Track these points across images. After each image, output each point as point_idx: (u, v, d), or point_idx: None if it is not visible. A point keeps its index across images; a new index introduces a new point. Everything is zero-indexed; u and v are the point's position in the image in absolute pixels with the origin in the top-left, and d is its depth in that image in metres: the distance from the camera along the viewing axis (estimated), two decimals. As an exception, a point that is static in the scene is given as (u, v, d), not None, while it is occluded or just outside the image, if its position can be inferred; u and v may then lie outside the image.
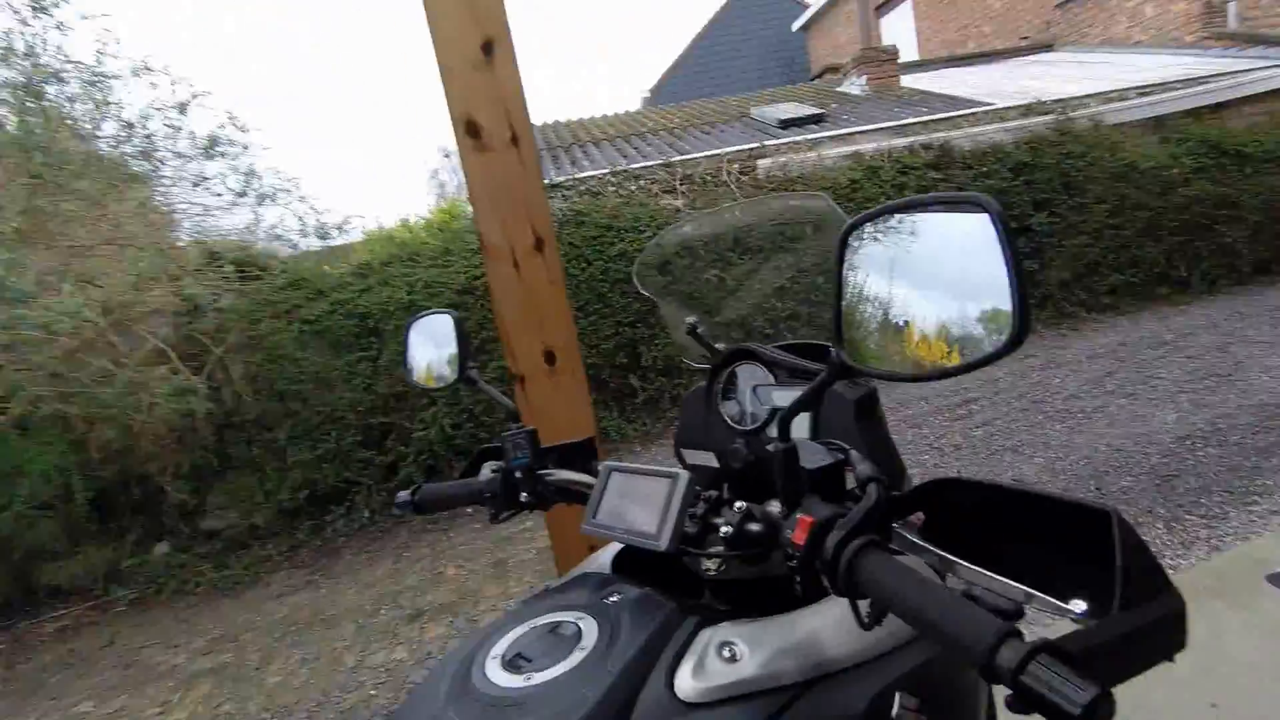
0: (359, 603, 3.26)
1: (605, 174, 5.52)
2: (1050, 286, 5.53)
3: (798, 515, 0.51)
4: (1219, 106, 5.97)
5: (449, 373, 0.95)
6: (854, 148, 5.67)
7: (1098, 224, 5.47)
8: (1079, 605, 0.41)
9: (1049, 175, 5.46)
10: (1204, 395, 3.79)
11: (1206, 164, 5.53)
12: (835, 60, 11.35)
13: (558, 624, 0.64)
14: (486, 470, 0.89)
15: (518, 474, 0.84)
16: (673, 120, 7.87)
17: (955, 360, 0.44)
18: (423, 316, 0.99)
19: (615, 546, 0.79)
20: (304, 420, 4.13)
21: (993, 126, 5.80)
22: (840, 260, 0.50)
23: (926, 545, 0.51)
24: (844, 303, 0.50)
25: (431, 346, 0.99)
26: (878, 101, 7.45)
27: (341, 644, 2.90)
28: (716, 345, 0.87)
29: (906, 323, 0.47)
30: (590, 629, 0.62)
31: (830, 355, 0.51)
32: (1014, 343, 0.41)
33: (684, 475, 0.63)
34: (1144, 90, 6.12)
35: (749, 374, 0.81)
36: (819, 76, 10.36)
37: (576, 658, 0.58)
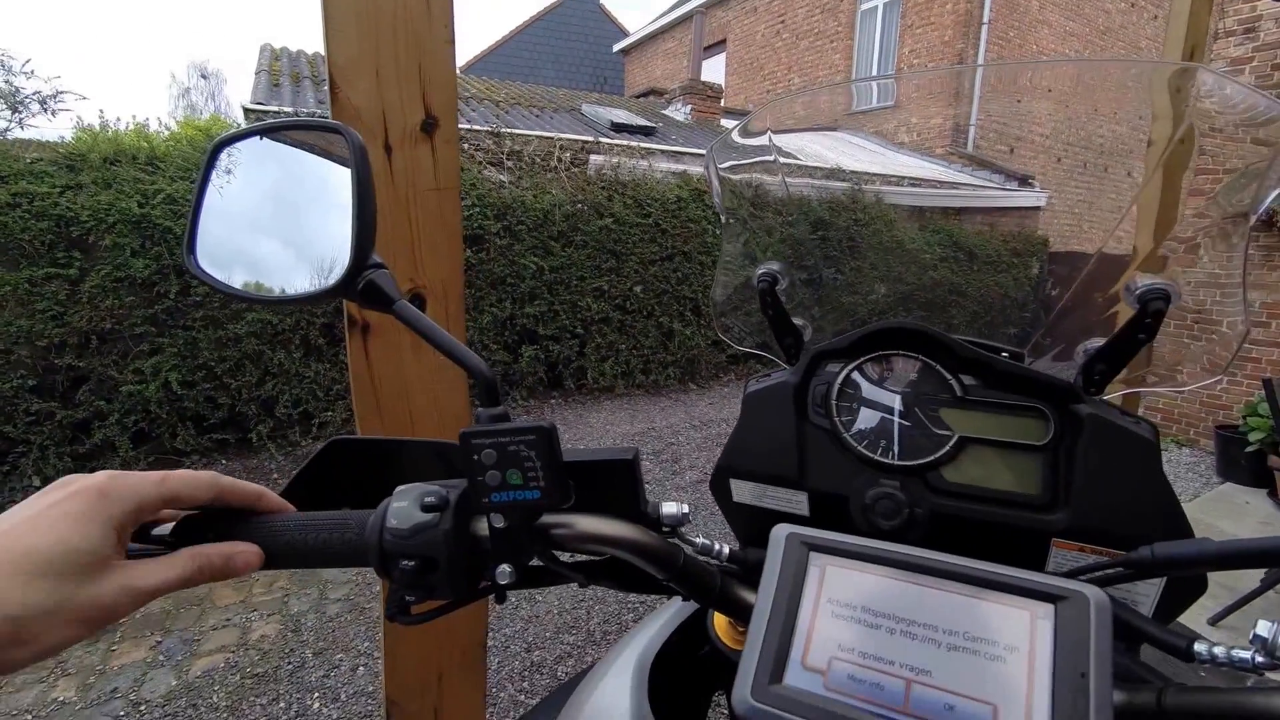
0: None
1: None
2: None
3: None
4: (960, 210, 7.22)
5: (327, 267, 0.44)
6: (683, 167, 5.66)
7: (867, 288, 6.21)
8: None
9: (839, 236, 6.06)
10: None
11: (948, 255, 6.64)
12: (654, 86, 11.68)
13: None
14: (413, 499, 0.41)
15: (501, 520, 0.41)
16: (498, 93, 7.20)
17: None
18: (268, 133, 0.48)
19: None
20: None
21: (801, 180, 6.25)
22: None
23: None
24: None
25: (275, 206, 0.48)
26: (701, 131, 7.66)
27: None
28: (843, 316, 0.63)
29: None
30: None
31: None
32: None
33: (1094, 594, 0.35)
34: (914, 181, 7.17)
35: (897, 373, 0.54)
36: (644, 95, 10.50)
37: None
